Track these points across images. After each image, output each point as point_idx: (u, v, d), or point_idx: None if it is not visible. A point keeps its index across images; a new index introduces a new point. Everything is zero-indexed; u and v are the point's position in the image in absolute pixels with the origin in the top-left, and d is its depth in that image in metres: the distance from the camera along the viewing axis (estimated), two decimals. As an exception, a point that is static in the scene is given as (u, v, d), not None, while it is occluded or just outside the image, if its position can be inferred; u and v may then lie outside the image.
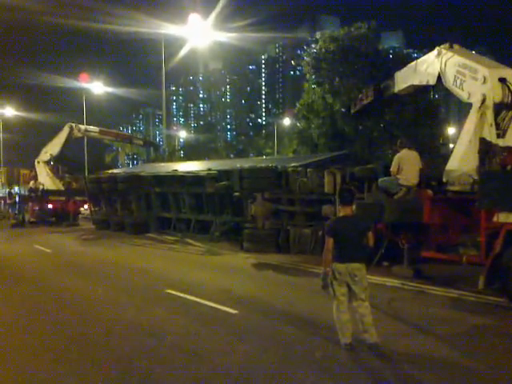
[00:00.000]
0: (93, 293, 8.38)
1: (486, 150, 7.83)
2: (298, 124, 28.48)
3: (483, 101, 8.32)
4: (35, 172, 25.25)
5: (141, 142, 31.41)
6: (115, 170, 27.59)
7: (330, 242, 5.13)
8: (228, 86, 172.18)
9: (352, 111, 12.72)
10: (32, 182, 24.87)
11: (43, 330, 6.20)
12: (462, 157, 8.61)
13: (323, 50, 23.05)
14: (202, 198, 16.21)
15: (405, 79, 10.46)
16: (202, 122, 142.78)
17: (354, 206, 5.55)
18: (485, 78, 8.31)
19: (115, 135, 28.28)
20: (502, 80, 8.28)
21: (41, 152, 24.82)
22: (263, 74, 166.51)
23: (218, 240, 15.00)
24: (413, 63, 10.25)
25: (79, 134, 25.18)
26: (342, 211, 5.29)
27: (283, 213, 13.30)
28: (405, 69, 10.63)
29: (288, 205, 13.25)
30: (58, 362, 5.02)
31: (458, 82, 8.78)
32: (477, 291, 7.30)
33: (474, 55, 9.12)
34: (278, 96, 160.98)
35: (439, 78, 9.31)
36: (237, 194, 14.26)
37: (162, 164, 28.74)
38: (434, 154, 20.01)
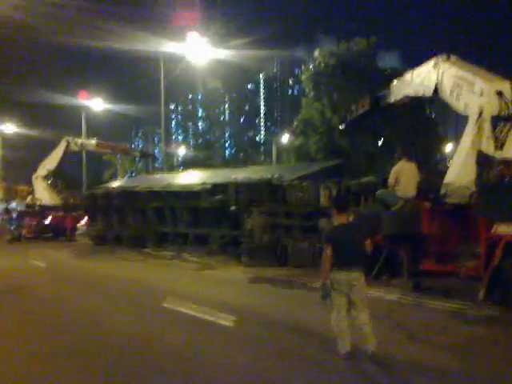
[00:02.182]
0: (88, 305, 8.26)
1: (483, 162, 7.85)
2: (296, 142, 28.58)
3: (480, 114, 8.35)
4: (33, 188, 25.19)
5: (137, 154, 31.86)
6: (112, 184, 27.46)
7: (328, 250, 5.07)
8: (226, 105, 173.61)
9: (347, 120, 12.76)
10: (29, 198, 24.78)
11: (38, 341, 6.09)
12: (459, 169, 8.61)
13: (322, 64, 23.25)
14: (197, 212, 16.12)
15: (401, 89, 10.48)
16: (200, 140, 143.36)
17: (349, 216, 5.54)
18: (482, 91, 8.34)
19: (112, 147, 28.24)
20: (499, 93, 8.31)
21: (38, 167, 24.80)
22: (261, 93, 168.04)
23: (215, 254, 14.87)
24: (409, 73, 10.26)
25: (76, 148, 25.18)
26: (338, 220, 5.25)
27: (280, 226, 13.22)
28: (401, 79, 10.64)
29: (285, 218, 13.19)
30: (55, 371, 4.92)
31: (455, 94, 8.81)
32: (476, 303, 7.22)
33: (471, 67, 9.12)
34: (276, 114, 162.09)
35: (436, 89, 9.35)
36: (233, 207, 14.20)
37: (157, 176, 28.66)
38: (432, 169, 20.06)
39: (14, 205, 28.12)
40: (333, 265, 5.04)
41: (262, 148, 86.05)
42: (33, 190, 25.03)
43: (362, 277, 5.08)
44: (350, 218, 5.77)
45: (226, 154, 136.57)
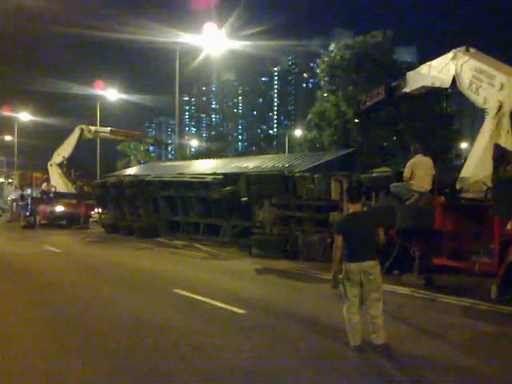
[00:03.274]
0: (100, 290, 8.37)
1: (500, 157, 7.70)
2: (310, 135, 28.38)
3: (500, 108, 8.20)
4: (48, 175, 25.48)
5: (151, 141, 32.29)
6: (123, 172, 27.54)
7: (339, 240, 5.02)
8: (240, 97, 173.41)
9: (361, 108, 12.61)
10: (44, 185, 25.05)
11: (50, 322, 6.19)
12: (476, 164, 8.49)
13: (338, 57, 23.03)
14: (209, 202, 16.13)
15: (417, 80, 10.30)
16: (213, 132, 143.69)
17: (363, 208, 5.49)
18: (502, 85, 8.19)
19: (126, 134, 28.33)
20: None
21: (53, 155, 25.08)
22: (275, 86, 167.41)
23: (227, 245, 14.92)
24: (427, 64, 10.08)
25: (90, 136, 25.38)
26: (352, 208, 5.20)
27: (291, 219, 13.17)
28: (418, 69, 10.48)
29: (296, 211, 13.14)
30: (66, 353, 4.99)
31: (474, 86, 8.66)
32: (489, 301, 7.12)
33: (491, 60, 8.93)
34: (289, 108, 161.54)
35: (453, 81, 9.20)
36: (244, 199, 14.17)
37: (168, 163, 28.72)
38: (447, 166, 19.81)
39: (29, 191, 28.48)
40: (346, 255, 4.98)
41: (275, 141, 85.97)
42: (48, 177, 25.32)
43: (378, 265, 4.99)
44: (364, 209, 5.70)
45: (239, 147, 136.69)
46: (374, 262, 4.96)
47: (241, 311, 6.69)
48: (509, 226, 7.07)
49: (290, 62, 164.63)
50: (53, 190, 24.15)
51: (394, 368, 4.57)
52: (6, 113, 49.98)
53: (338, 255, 5.02)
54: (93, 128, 26.14)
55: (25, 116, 50.00)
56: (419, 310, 7.02)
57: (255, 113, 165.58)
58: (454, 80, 9.18)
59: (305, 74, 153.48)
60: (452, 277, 8.88)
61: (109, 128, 26.51)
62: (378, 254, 5.13)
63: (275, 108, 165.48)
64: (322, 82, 24.80)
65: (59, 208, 23.66)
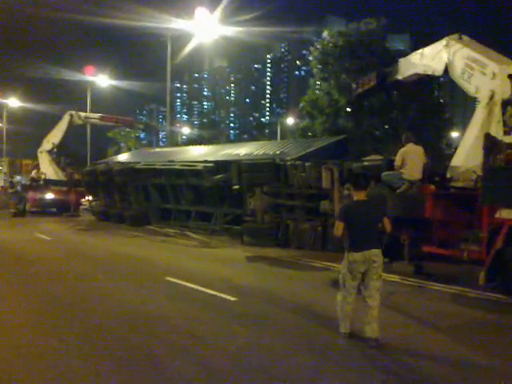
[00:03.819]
0: (91, 278, 8.34)
1: (490, 146, 7.74)
2: (302, 123, 28.27)
3: (491, 97, 8.21)
4: (38, 162, 25.22)
5: (141, 126, 32.04)
6: (114, 158, 27.26)
7: (339, 227, 4.94)
8: (232, 85, 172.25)
9: (352, 94, 12.59)
10: (34, 172, 24.79)
11: (41, 312, 6.17)
12: (467, 153, 8.52)
13: (331, 45, 22.88)
14: (200, 190, 16.06)
15: (409, 67, 10.26)
16: (205, 120, 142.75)
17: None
18: (494, 74, 8.18)
19: (116, 120, 27.98)
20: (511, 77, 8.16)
21: (43, 141, 24.80)
22: (268, 74, 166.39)
23: (218, 233, 14.93)
24: (419, 51, 10.03)
25: (80, 122, 25.11)
26: (356, 196, 5.13)
27: (282, 207, 13.20)
28: (410, 56, 10.43)
29: (287, 199, 13.16)
30: (58, 340, 4.98)
31: (466, 75, 8.65)
32: (477, 288, 7.23)
33: (483, 48, 8.90)
34: (282, 96, 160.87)
35: (446, 69, 9.18)
36: (236, 187, 14.13)
37: (158, 150, 28.47)
38: (438, 154, 19.90)
39: (18, 179, 28.21)
40: (349, 244, 4.91)
41: (267, 129, 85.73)
42: (37, 165, 25.06)
43: (381, 254, 4.93)
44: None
45: (231, 135, 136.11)
46: (377, 251, 4.90)
47: (232, 298, 6.73)
48: (497, 215, 7.15)
49: (283, 50, 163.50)
50: (43, 177, 23.93)
51: (383, 355, 4.63)
52: (-5, 98, 49.24)
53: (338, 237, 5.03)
54: (82, 114, 25.87)
55: (14, 102, 49.31)
56: (408, 298, 7.12)
57: (247, 100, 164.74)
58: (446, 68, 9.16)
59: (298, 62, 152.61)
60: (441, 265, 8.99)
61: (99, 114, 26.25)
62: (380, 242, 5.09)
63: (268, 96, 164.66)
64: (314, 70, 24.61)
65: (49, 195, 23.46)
